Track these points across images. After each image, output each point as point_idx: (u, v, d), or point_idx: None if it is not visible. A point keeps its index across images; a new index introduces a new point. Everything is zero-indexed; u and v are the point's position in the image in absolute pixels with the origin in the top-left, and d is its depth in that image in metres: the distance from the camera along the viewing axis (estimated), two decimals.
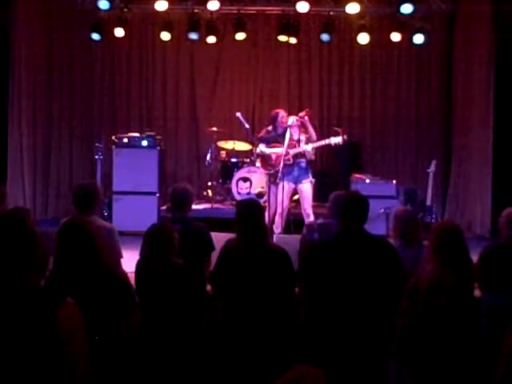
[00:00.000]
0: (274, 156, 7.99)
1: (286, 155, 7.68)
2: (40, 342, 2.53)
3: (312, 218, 7.56)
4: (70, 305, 2.62)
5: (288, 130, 7.78)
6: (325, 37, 9.36)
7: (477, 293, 4.23)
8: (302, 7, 8.76)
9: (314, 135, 7.88)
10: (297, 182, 7.85)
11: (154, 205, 9.07)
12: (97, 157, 9.16)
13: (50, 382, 2.55)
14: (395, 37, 9.29)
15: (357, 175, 9.23)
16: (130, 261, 4.96)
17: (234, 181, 9.32)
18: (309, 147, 7.78)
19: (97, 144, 9.38)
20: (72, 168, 10.35)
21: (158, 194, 9.13)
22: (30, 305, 2.56)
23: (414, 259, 4.50)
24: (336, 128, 8.22)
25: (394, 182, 9.00)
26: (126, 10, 9.27)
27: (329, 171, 10.37)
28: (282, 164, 7.64)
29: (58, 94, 10.19)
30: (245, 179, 9.33)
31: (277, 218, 7.76)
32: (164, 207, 8.98)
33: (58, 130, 10.24)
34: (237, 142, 9.90)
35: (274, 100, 10.53)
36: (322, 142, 7.85)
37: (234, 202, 8.94)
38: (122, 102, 10.67)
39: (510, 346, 2.64)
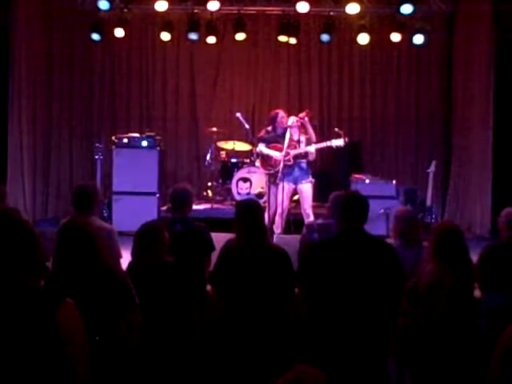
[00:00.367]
0: (273, 156, 7.98)
1: (286, 156, 7.68)
2: (40, 342, 2.53)
3: (312, 218, 7.56)
4: (69, 305, 2.62)
5: (288, 130, 7.79)
6: (325, 37, 9.37)
7: (477, 293, 4.23)
8: (302, 7, 8.77)
9: (313, 136, 7.88)
10: (297, 182, 7.85)
11: (154, 205, 9.07)
12: (97, 157, 9.16)
13: (50, 382, 2.55)
14: (395, 37, 9.29)
15: (357, 175, 9.23)
16: (129, 261, 4.97)
17: (233, 181, 9.32)
18: (312, 148, 7.78)
19: (97, 144, 9.39)
20: (72, 168, 10.35)
21: (157, 195, 9.13)
22: (30, 305, 2.55)
23: (413, 259, 4.50)
24: (338, 130, 8.22)
25: (394, 182, 9.00)
26: (125, 10, 9.28)
27: (329, 171, 10.37)
28: (282, 164, 7.65)
29: (57, 93, 10.19)
30: (245, 179, 9.33)
31: (277, 219, 7.76)
32: (164, 207, 8.99)
33: (57, 129, 10.23)
34: (237, 143, 9.90)
35: (274, 100, 10.53)
36: (324, 144, 7.86)
37: (233, 203, 8.94)
38: (122, 102, 10.67)
39: (499, 352, 2.63)
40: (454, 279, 3.87)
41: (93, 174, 9.76)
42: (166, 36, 9.55)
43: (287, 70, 10.70)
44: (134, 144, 9.25)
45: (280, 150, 7.87)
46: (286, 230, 7.81)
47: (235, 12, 9.49)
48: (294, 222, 7.94)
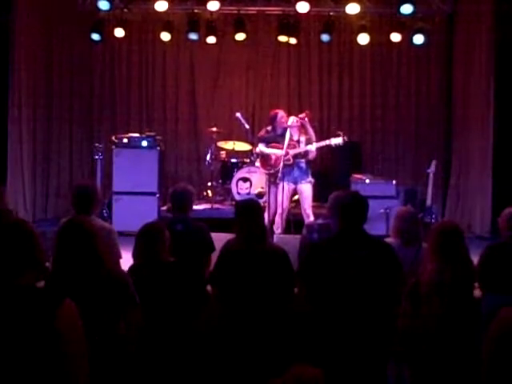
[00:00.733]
0: (273, 156, 7.98)
1: (285, 155, 7.68)
2: (39, 342, 2.53)
3: (312, 219, 7.56)
4: (69, 305, 2.62)
5: (288, 130, 7.79)
6: (325, 37, 9.38)
7: (477, 293, 4.23)
8: (302, 7, 8.77)
9: (313, 136, 7.88)
10: (296, 182, 7.85)
11: (154, 205, 9.07)
12: (97, 157, 9.16)
13: (50, 382, 2.55)
14: (395, 37, 9.30)
15: (357, 175, 9.23)
16: (129, 261, 4.96)
17: (233, 181, 9.32)
18: (312, 147, 7.79)
19: (97, 144, 9.38)
20: (72, 168, 10.36)
21: (158, 195, 9.13)
22: (30, 306, 2.55)
23: (412, 258, 4.51)
24: (338, 132, 8.23)
25: (394, 182, 9.00)
26: (125, 10, 9.29)
27: (329, 171, 10.37)
28: (282, 164, 7.65)
29: (57, 93, 10.20)
30: (245, 179, 9.33)
31: (277, 219, 7.76)
32: (164, 207, 8.99)
33: (57, 129, 10.25)
34: (237, 143, 9.90)
35: (274, 100, 10.53)
36: (323, 143, 7.86)
37: (233, 203, 8.94)
38: (122, 102, 10.68)
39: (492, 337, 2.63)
40: (454, 279, 3.87)
41: (93, 174, 9.77)
42: (165, 36, 9.56)
43: (287, 70, 10.71)
44: (134, 144, 9.25)
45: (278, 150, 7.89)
46: (286, 230, 7.80)
47: (235, 12, 9.50)
48: (294, 222, 7.93)
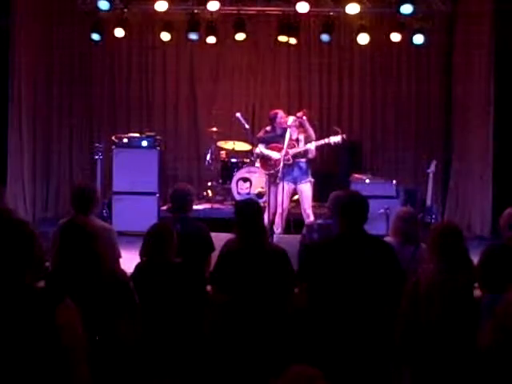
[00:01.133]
0: (273, 156, 7.99)
1: (285, 155, 7.69)
2: (39, 342, 2.53)
3: (312, 218, 7.56)
4: (69, 305, 2.62)
5: (288, 130, 7.79)
6: (325, 37, 9.37)
7: (477, 293, 4.23)
8: (302, 7, 8.76)
9: (312, 134, 7.90)
10: (296, 182, 7.85)
11: (154, 205, 9.07)
12: (97, 157, 9.16)
13: (49, 382, 2.55)
14: (395, 37, 9.29)
15: (357, 175, 9.23)
16: (129, 261, 4.97)
17: (233, 181, 9.32)
18: (312, 146, 7.80)
19: (97, 144, 9.38)
20: (72, 168, 10.36)
21: (157, 195, 9.13)
22: (29, 305, 2.55)
23: (410, 258, 4.53)
24: (335, 127, 8.24)
25: (394, 182, 9.00)
26: (125, 10, 9.27)
27: (329, 171, 10.36)
28: (282, 164, 7.65)
29: (57, 94, 10.20)
30: (245, 179, 9.33)
31: (277, 219, 7.76)
32: (164, 207, 8.99)
33: (57, 130, 10.25)
34: (237, 143, 9.90)
35: (274, 100, 10.53)
36: (322, 142, 7.87)
37: (233, 202, 8.94)
38: (122, 102, 10.67)
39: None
40: (454, 279, 3.87)
41: (93, 173, 9.76)
42: (165, 36, 9.55)
43: (287, 70, 10.70)
44: (134, 144, 9.25)
45: (279, 150, 7.88)
46: (286, 230, 7.81)
47: (235, 12, 9.48)
48: (294, 221, 7.93)
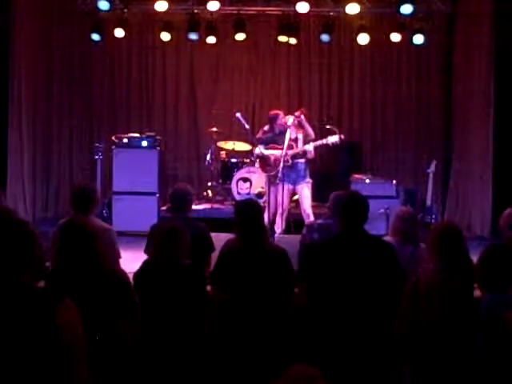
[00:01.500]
0: (272, 157, 8.00)
1: (284, 156, 7.69)
2: (39, 342, 2.53)
3: (312, 218, 7.56)
4: (69, 305, 2.62)
5: (288, 130, 7.80)
6: (325, 37, 9.37)
7: (477, 293, 4.23)
8: (302, 8, 8.76)
9: (311, 133, 7.93)
10: (295, 182, 7.86)
11: (154, 205, 9.07)
12: (97, 157, 9.16)
13: (49, 382, 2.55)
14: (395, 37, 9.29)
15: (357, 175, 9.23)
16: (129, 261, 4.97)
17: (233, 181, 9.32)
18: (310, 147, 7.80)
19: (97, 144, 9.38)
20: (72, 168, 10.36)
21: (157, 195, 9.13)
22: (30, 305, 2.55)
23: (409, 257, 4.54)
24: (333, 128, 8.25)
25: (394, 182, 9.00)
26: (125, 10, 9.27)
27: (329, 171, 10.36)
28: (281, 164, 7.65)
29: (57, 94, 10.21)
30: (245, 179, 9.33)
31: (277, 219, 7.77)
32: (164, 207, 8.99)
33: (57, 130, 10.25)
34: (237, 143, 9.90)
35: (274, 100, 10.53)
36: (320, 142, 7.89)
37: (233, 203, 8.94)
38: (122, 102, 10.67)
39: None
40: (454, 279, 3.86)
41: (93, 174, 9.76)
42: (165, 36, 9.55)
43: (287, 70, 10.70)
44: (134, 144, 9.25)
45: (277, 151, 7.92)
46: (286, 230, 7.81)
47: (235, 12, 9.48)
48: (294, 221, 7.93)
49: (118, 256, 4.87)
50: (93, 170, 9.78)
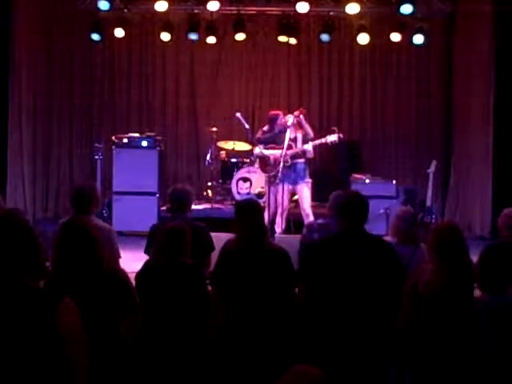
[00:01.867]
0: (272, 157, 8.00)
1: (284, 156, 7.70)
2: (39, 342, 2.53)
3: (311, 218, 7.57)
4: (69, 305, 2.62)
5: (288, 130, 7.81)
6: (325, 37, 9.38)
7: (477, 293, 4.23)
8: (302, 7, 8.76)
9: (311, 132, 7.95)
10: (294, 183, 7.87)
11: (154, 205, 9.08)
12: (97, 157, 9.17)
13: (49, 382, 2.55)
14: (395, 37, 9.29)
15: (357, 175, 9.23)
16: (129, 261, 4.98)
17: (233, 181, 9.32)
18: (309, 146, 7.81)
19: (97, 144, 9.39)
20: (72, 168, 10.36)
21: (157, 195, 9.13)
22: (30, 305, 2.55)
23: (408, 257, 4.54)
24: (332, 127, 8.27)
25: (394, 182, 9.00)
26: (125, 10, 9.28)
27: (329, 171, 10.37)
28: (281, 164, 7.66)
29: (57, 93, 10.21)
30: (245, 179, 9.33)
31: (277, 219, 7.78)
32: (164, 207, 8.99)
33: (57, 130, 10.25)
34: (237, 142, 9.91)
35: (274, 100, 10.54)
36: (318, 141, 7.91)
37: (233, 202, 8.94)
38: (122, 102, 10.67)
39: None
40: (454, 279, 3.87)
41: (93, 173, 9.77)
42: (165, 36, 9.55)
43: (287, 70, 10.71)
44: (134, 144, 9.26)
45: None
46: (286, 230, 7.81)
47: (235, 12, 9.47)
48: (294, 222, 7.94)
49: (118, 256, 4.87)
50: (93, 170, 9.79)
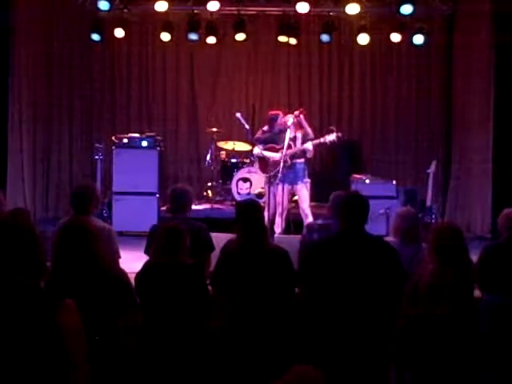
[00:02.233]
0: (271, 158, 8.01)
1: (284, 156, 7.70)
2: (40, 342, 2.53)
3: (311, 218, 7.57)
4: (69, 305, 2.62)
5: (288, 130, 7.81)
6: (325, 37, 9.38)
7: (477, 293, 4.23)
8: (302, 8, 8.77)
9: (310, 132, 7.96)
10: (293, 183, 7.87)
11: (154, 205, 9.07)
12: (97, 157, 9.17)
13: (50, 382, 2.55)
14: (395, 37, 9.29)
15: (357, 175, 9.22)
16: (129, 261, 4.98)
17: (233, 181, 9.32)
18: (309, 146, 7.82)
19: (97, 144, 9.39)
20: (72, 168, 10.36)
21: (157, 195, 9.13)
22: (30, 305, 2.55)
23: (411, 257, 4.53)
24: (331, 126, 8.28)
25: (394, 182, 9.00)
26: (125, 10, 9.28)
27: (329, 171, 10.37)
28: (281, 165, 7.66)
29: (57, 94, 10.20)
30: (245, 179, 9.33)
31: (277, 219, 7.78)
32: (164, 208, 8.99)
33: (57, 130, 10.25)
34: (236, 143, 9.91)
35: (273, 100, 10.53)
36: (317, 141, 7.91)
37: (233, 203, 8.95)
38: (122, 102, 10.67)
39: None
40: (454, 280, 3.86)
41: (93, 174, 9.77)
42: (165, 36, 9.55)
43: (287, 70, 10.71)
44: (134, 144, 9.25)
45: (276, 152, 7.93)
46: (286, 230, 7.81)
47: (235, 12, 9.48)
48: (293, 222, 7.94)
49: (118, 256, 4.86)
50: (93, 170, 9.79)
